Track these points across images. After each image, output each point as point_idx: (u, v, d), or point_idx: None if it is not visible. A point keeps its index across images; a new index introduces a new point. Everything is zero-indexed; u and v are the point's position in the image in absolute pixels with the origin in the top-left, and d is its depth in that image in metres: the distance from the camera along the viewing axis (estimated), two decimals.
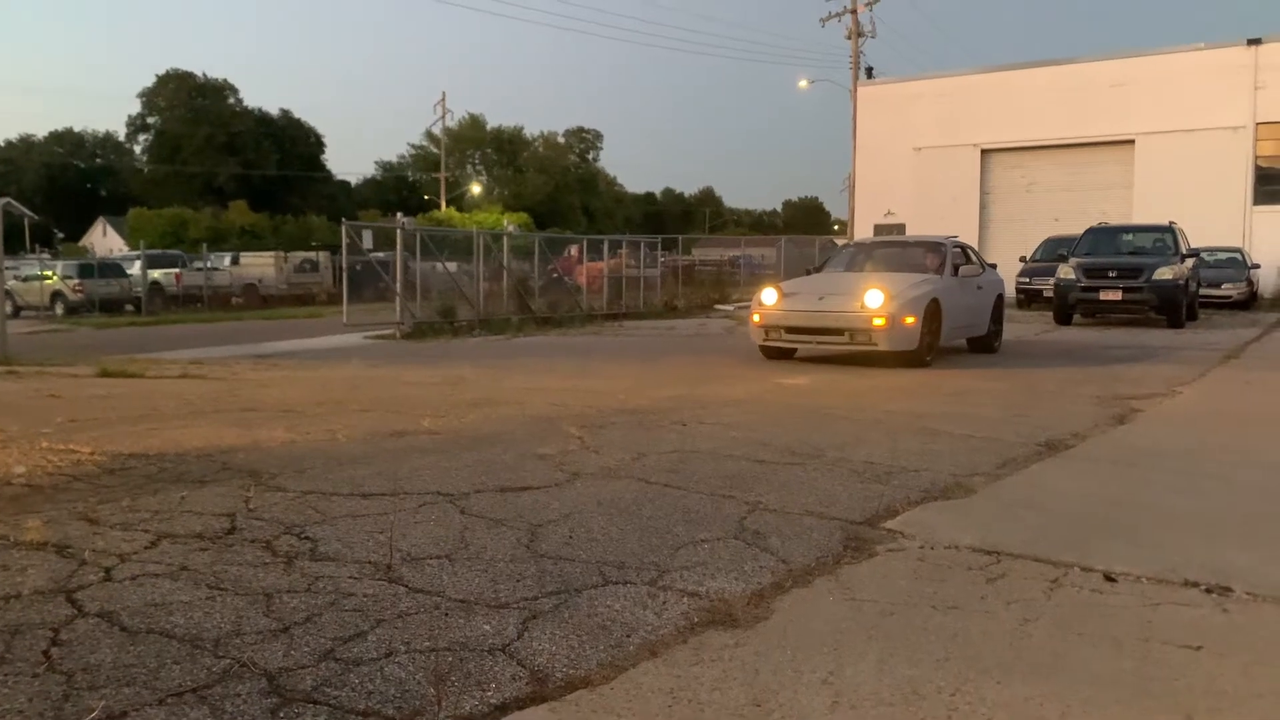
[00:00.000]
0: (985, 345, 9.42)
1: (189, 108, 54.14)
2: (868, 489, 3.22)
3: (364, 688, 1.67)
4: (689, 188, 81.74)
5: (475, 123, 60.44)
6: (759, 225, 74.87)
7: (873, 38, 27.89)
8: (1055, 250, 15.87)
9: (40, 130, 63.04)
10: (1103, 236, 13.90)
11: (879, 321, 7.72)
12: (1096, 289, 12.64)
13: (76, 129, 59.50)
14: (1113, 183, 21.46)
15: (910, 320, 7.77)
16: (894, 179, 23.76)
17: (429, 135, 55.53)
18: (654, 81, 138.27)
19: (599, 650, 1.86)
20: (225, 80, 55.91)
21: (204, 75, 55.38)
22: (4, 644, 1.79)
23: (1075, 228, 16.27)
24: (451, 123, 50.31)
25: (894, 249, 9.97)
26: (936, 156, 23.27)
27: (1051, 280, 13.73)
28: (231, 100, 55.59)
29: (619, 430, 4.34)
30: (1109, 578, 2.35)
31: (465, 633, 1.93)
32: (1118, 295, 12.52)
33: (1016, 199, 22.95)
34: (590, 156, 67.29)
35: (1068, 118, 21.57)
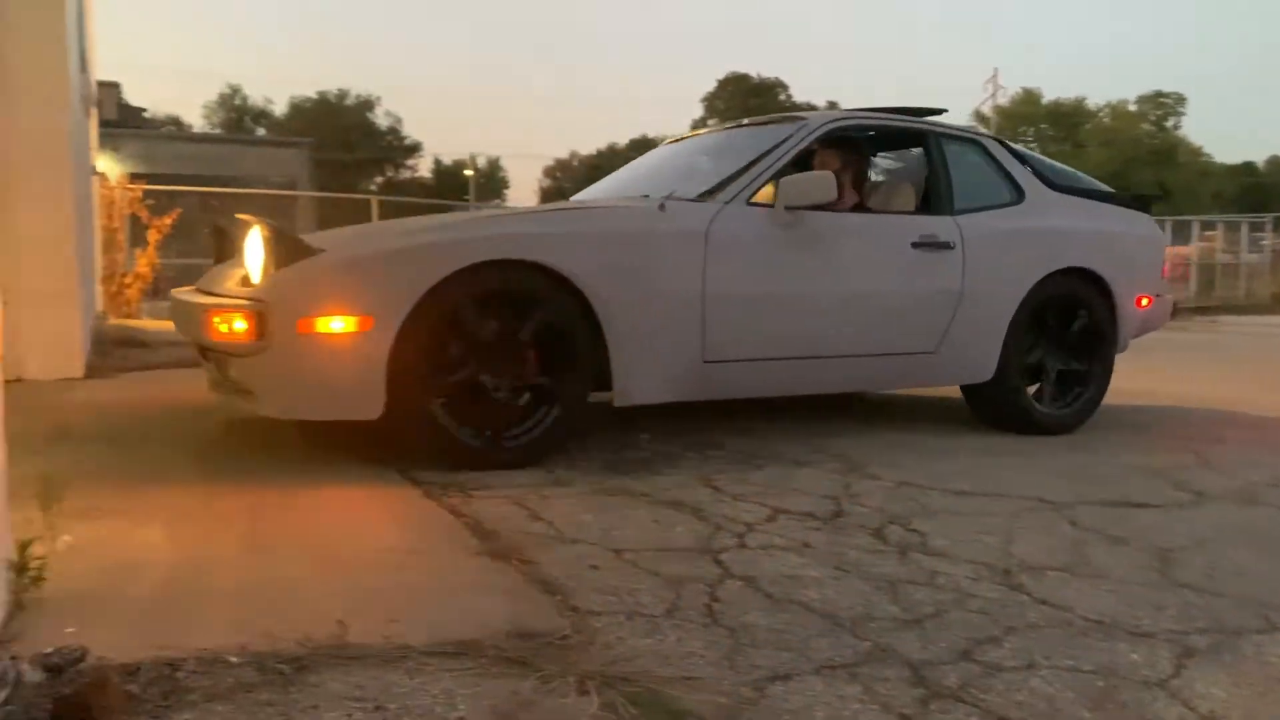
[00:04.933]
0: (1006, 410, 3.97)
1: (744, 108, 58.70)
2: None
3: (1011, 697, 1.63)
4: None
5: (1030, 97, 57.11)
6: None
7: None
8: None
9: (621, 139, 72.78)
10: None
11: (236, 327, 2.86)
12: None
13: (651, 134, 67.57)
14: None
15: (339, 325, 2.86)
16: None
17: (977, 115, 53.81)
18: (1257, 30, 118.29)
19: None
20: (776, 79, 59.61)
21: (758, 75, 59.61)
22: (675, 592, 2.06)
23: None
24: (1004, 99, 48.23)
25: (719, 141, 4.38)
26: None
27: None
28: (782, 97, 59.13)
29: (1237, 446, 3.77)
30: None
31: (1109, 658, 1.79)
32: None
33: None
34: (1169, 124, 59.72)
35: None
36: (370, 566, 2.19)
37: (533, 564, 2.20)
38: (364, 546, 2.34)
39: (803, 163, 3.99)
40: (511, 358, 3.12)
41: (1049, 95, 57.91)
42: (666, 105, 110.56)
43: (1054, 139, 56.77)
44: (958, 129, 4.28)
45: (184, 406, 4.17)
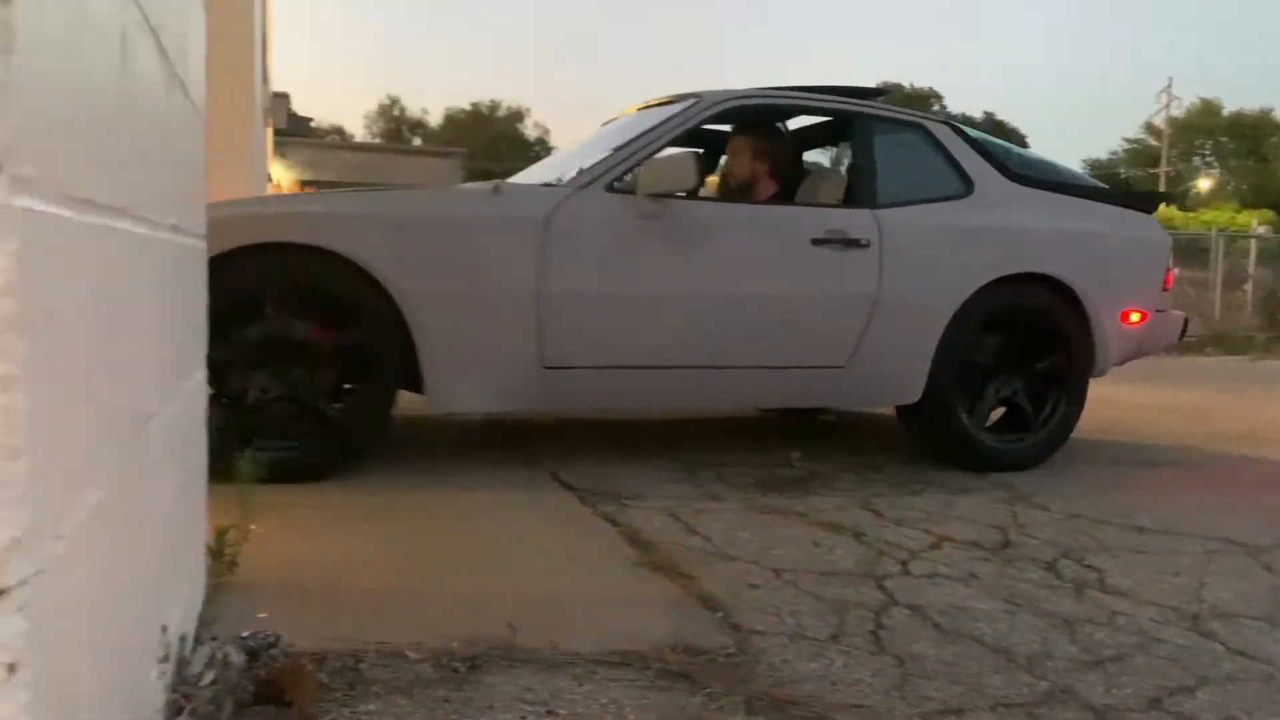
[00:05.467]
0: (941, 438, 3.54)
1: None
2: None
3: None
4: None
5: (1208, 108, 53.49)
6: None
7: None
8: None
9: None
10: None
11: None
12: None
13: None
14: None
15: None
16: None
17: (1147, 127, 50.97)
18: None
19: None
20: (930, 89, 58.09)
21: (910, 85, 58.18)
22: (839, 617, 2.02)
23: None
24: (1178, 110, 45.56)
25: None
26: None
27: None
28: (936, 107, 57.57)
29: None
30: None
31: None
32: None
33: None
34: None
35: None
36: (532, 571, 2.24)
37: (691, 579, 2.20)
38: (525, 551, 2.40)
39: (711, 148, 3.75)
40: (296, 357, 2.84)
41: (1230, 106, 54.12)
42: None
43: (1235, 153, 52.98)
44: (896, 111, 3.73)
45: None
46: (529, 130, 61.72)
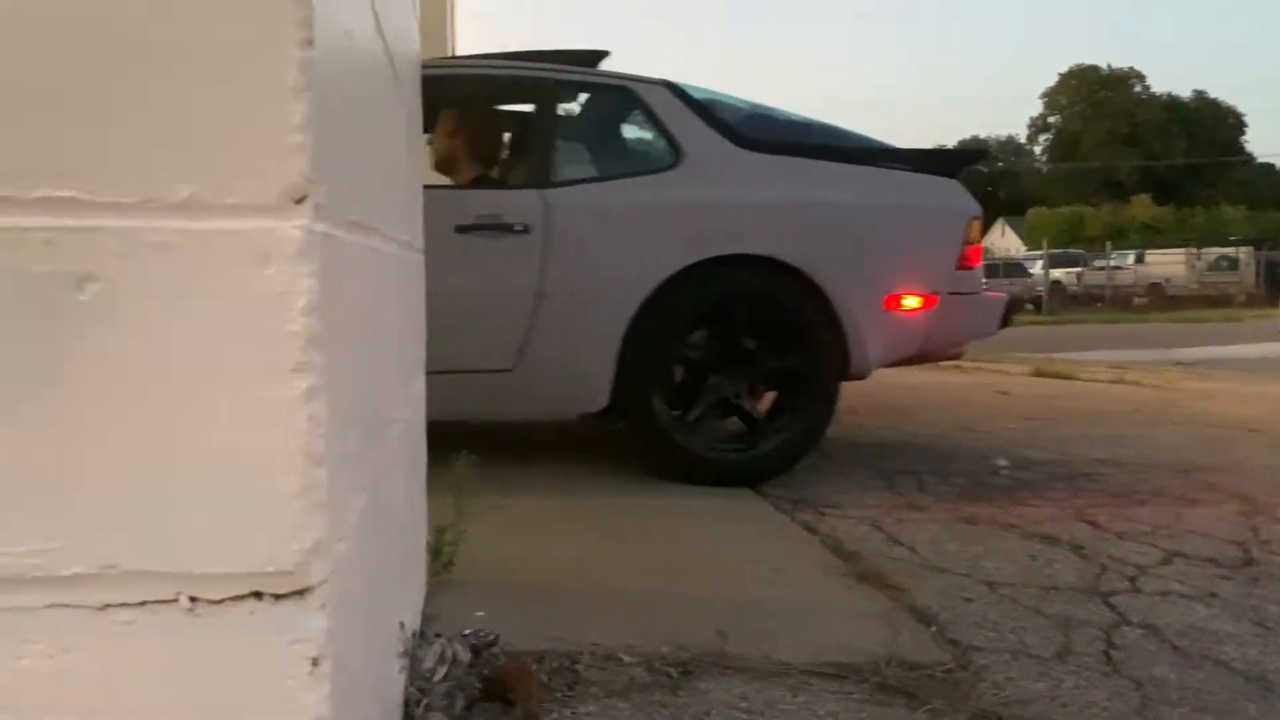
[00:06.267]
0: (650, 449, 3.17)
1: (1090, 102, 54.08)
2: None
3: None
4: None
5: None
6: None
7: None
8: None
9: (950, 139, 69.61)
10: None
11: None
12: None
13: (982, 135, 64.13)
14: None
15: None
16: None
17: None
18: None
19: None
20: (1130, 69, 54.46)
21: (1108, 67, 54.72)
22: (1064, 634, 1.90)
23: None
24: None
25: None
26: None
27: None
28: (1137, 89, 53.87)
29: None
30: None
31: None
32: None
33: None
34: None
35: None
36: (737, 579, 2.23)
37: (901, 590, 2.14)
38: (727, 557, 2.39)
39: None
40: None
41: None
42: (1003, 104, 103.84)
43: None
44: (594, 75, 3.30)
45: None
46: None
